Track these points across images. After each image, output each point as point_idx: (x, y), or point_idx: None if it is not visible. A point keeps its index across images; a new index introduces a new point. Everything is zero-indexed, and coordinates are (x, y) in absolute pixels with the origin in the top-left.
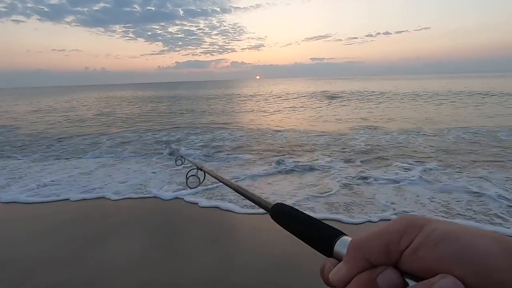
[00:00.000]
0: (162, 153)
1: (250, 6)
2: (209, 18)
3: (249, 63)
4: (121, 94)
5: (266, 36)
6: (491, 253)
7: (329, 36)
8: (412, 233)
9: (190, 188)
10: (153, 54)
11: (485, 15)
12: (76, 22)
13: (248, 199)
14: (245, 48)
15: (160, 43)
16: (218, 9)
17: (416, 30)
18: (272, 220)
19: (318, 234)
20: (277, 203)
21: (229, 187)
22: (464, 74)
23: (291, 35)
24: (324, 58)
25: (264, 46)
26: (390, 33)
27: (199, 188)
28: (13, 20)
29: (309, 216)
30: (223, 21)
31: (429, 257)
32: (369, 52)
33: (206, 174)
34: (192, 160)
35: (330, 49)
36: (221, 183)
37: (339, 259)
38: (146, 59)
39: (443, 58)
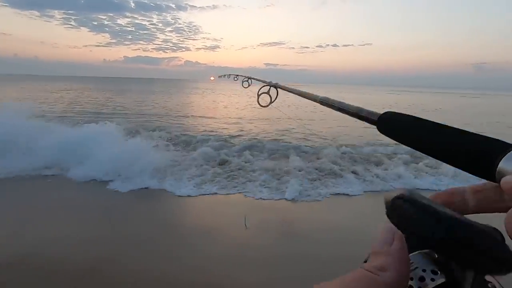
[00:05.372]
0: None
1: (206, 6)
2: (163, 14)
3: (203, 63)
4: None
5: (222, 38)
6: None
7: (283, 44)
8: None
9: (261, 106)
10: (99, 46)
11: (424, 35)
12: (3, 1)
13: (346, 113)
14: (200, 48)
15: (107, 35)
16: (173, 6)
17: (360, 45)
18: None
19: (466, 147)
20: (386, 112)
21: (313, 100)
22: (403, 88)
23: (247, 39)
24: (278, 64)
25: (219, 48)
26: (338, 46)
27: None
28: None
29: (443, 124)
30: (178, 18)
31: None
32: (319, 61)
33: (278, 90)
34: (261, 79)
35: (284, 56)
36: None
37: None
38: (90, 51)
39: (383, 71)
